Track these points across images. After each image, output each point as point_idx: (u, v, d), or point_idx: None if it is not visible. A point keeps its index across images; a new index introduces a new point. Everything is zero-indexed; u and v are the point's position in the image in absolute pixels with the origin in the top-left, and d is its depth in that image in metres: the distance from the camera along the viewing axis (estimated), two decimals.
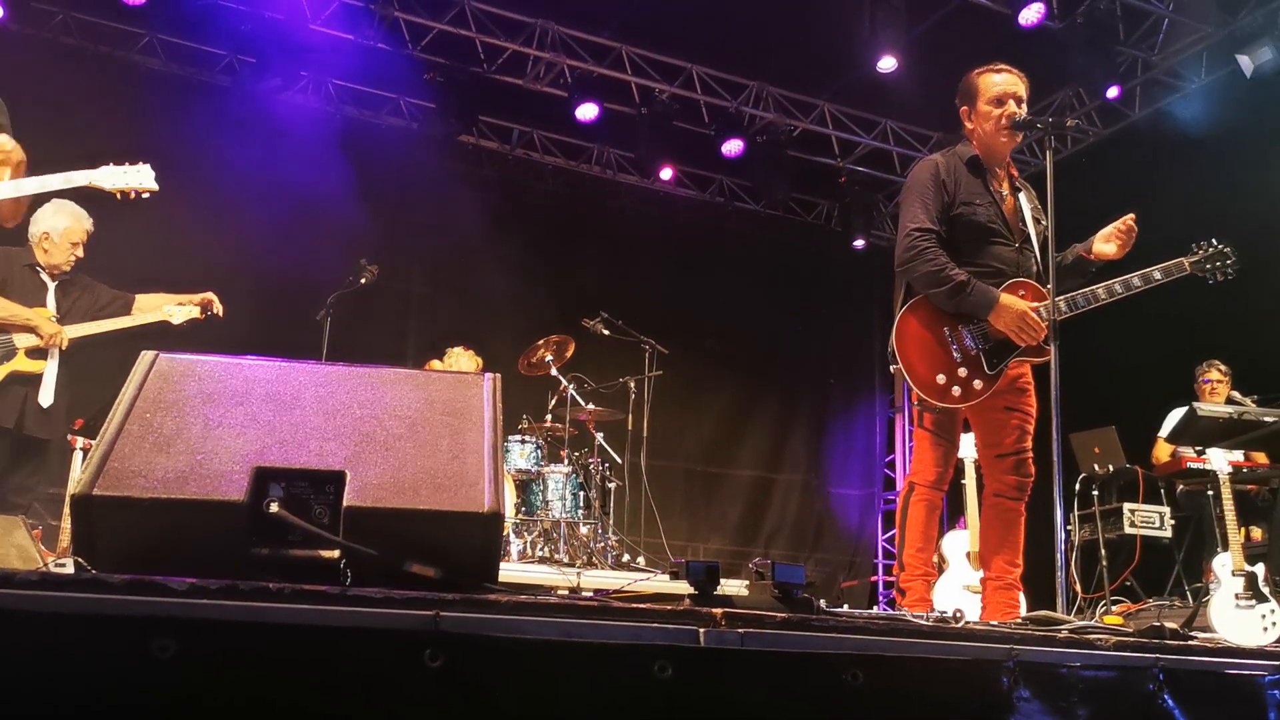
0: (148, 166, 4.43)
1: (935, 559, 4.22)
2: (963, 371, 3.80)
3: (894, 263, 3.97)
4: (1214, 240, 3.87)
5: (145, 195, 4.41)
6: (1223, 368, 6.97)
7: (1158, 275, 3.81)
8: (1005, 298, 3.76)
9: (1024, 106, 3.96)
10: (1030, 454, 3.92)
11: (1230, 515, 5.12)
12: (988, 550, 3.99)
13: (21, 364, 5.10)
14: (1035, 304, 3.80)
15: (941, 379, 3.79)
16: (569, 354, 7.72)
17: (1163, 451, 6.91)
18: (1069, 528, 6.56)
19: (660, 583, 5.08)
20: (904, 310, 3.93)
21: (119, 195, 4.36)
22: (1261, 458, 6.43)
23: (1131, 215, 3.93)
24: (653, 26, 8.60)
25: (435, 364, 7.73)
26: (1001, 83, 3.97)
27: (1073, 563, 6.58)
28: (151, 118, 7.91)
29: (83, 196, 4.61)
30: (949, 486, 4.06)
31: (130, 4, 7.63)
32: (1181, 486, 6.78)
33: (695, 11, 8.27)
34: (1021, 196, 4.06)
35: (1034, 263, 3.96)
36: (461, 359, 7.65)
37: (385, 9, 8.23)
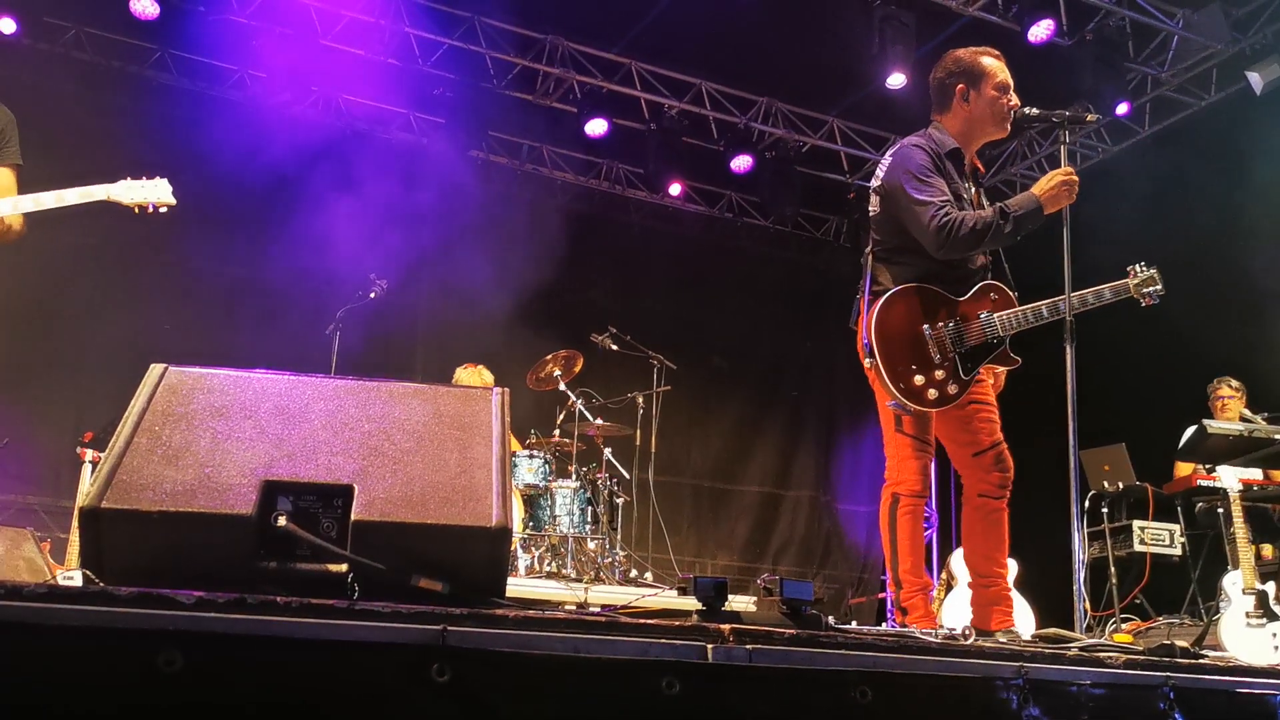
0: (164, 181, 4.37)
1: (944, 576, 4.16)
2: (939, 374, 3.64)
3: (929, 247, 3.67)
4: (1143, 264, 3.74)
5: (163, 210, 4.37)
6: (1234, 383, 6.91)
7: (1108, 294, 3.70)
8: (1038, 188, 3.68)
9: None
10: (1005, 445, 3.75)
11: (1241, 533, 5.09)
12: (974, 555, 3.81)
13: None
14: (1000, 312, 3.71)
15: (920, 380, 3.63)
16: (577, 369, 7.72)
17: (1183, 469, 6.85)
18: None
19: (668, 598, 5.05)
20: (882, 304, 3.70)
21: (136, 210, 4.32)
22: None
23: None
24: (662, 43, 8.63)
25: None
26: (1004, 71, 3.90)
27: (1082, 580, 6.52)
28: (162, 132, 7.95)
29: (98, 209, 4.57)
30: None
31: (142, 19, 7.67)
32: (1201, 504, 6.73)
33: (705, 28, 8.29)
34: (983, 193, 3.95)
35: (1003, 261, 3.87)
36: (473, 377, 7.64)
37: (395, 24, 8.27)
